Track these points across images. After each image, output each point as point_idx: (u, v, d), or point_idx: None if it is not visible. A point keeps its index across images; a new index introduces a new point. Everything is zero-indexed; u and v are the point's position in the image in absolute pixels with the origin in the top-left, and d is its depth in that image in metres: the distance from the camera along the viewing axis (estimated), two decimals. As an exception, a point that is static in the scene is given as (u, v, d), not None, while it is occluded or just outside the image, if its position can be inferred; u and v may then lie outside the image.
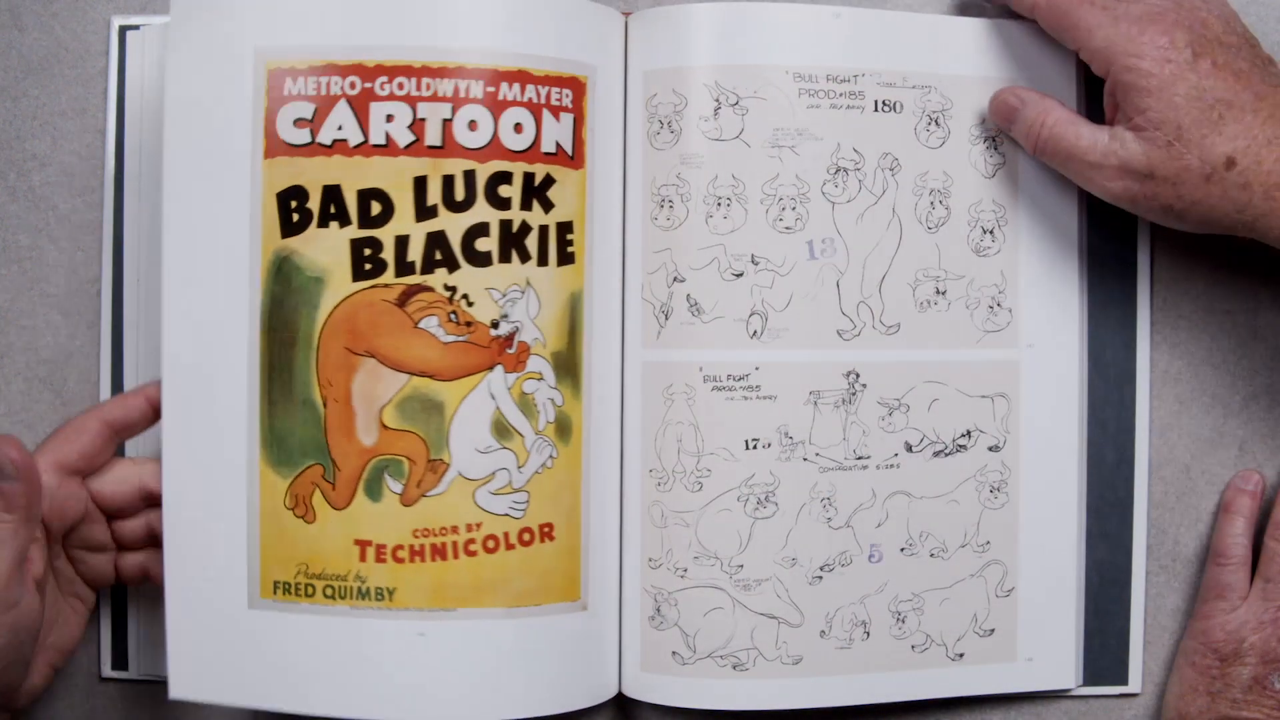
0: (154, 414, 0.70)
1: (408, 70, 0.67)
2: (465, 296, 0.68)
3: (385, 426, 0.69)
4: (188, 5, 0.69)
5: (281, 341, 0.69)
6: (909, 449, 0.73)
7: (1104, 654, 0.76)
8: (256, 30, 0.68)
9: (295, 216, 0.68)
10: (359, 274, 0.68)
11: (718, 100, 0.71)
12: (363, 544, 0.69)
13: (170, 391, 0.69)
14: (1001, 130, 0.73)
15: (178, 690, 0.70)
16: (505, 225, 0.68)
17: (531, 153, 0.69)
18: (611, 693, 0.73)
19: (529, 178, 0.69)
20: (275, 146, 0.68)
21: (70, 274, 0.76)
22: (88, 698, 0.76)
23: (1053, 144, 0.69)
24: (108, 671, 0.76)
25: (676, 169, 0.71)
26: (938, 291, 0.73)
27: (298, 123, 0.68)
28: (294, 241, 0.68)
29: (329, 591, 0.69)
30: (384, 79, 0.68)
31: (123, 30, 0.76)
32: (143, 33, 0.75)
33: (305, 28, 0.68)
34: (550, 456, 0.70)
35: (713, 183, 0.71)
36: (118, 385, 0.75)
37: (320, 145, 0.68)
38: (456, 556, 0.69)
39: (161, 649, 0.71)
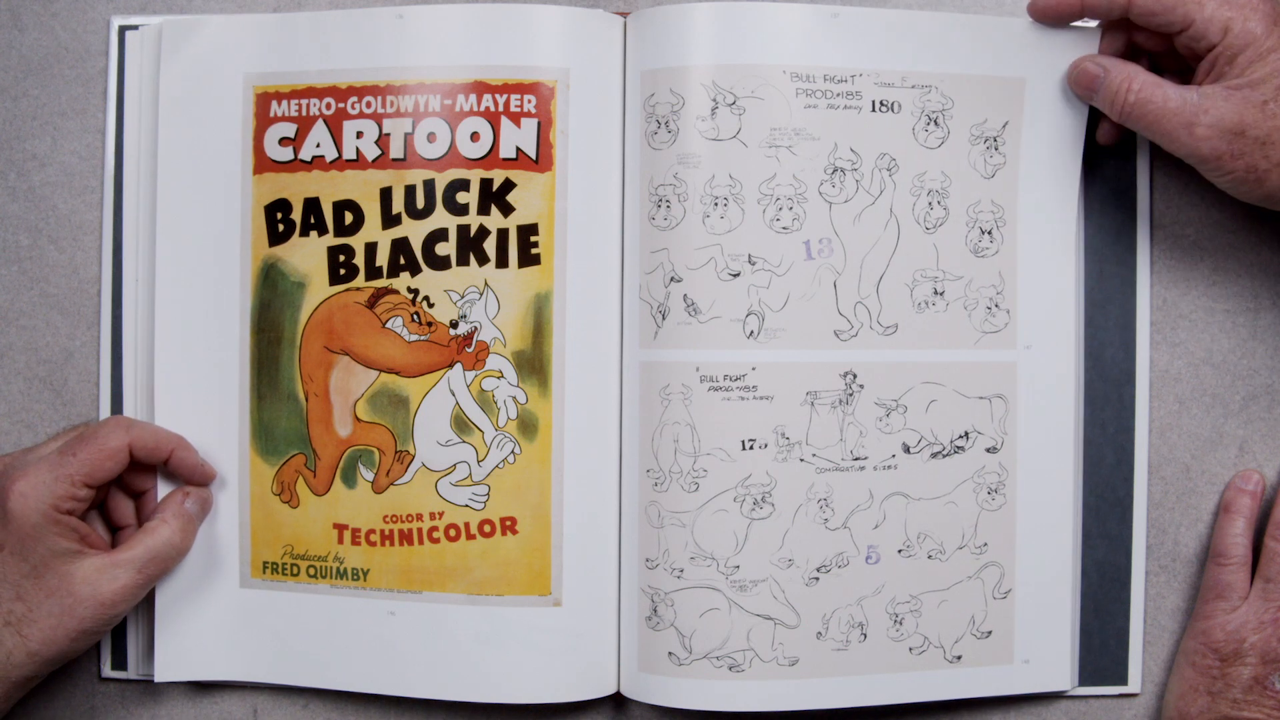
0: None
1: (374, 90, 0.73)
2: (426, 298, 0.73)
3: (358, 419, 0.74)
4: (182, 37, 0.74)
5: (269, 340, 0.74)
6: (906, 450, 0.73)
7: (1104, 654, 0.76)
8: (245, 59, 0.74)
9: (280, 227, 0.74)
10: (335, 278, 0.74)
11: (715, 100, 0.71)
12: (340, 528, 0.74)
13: (165, 389, 0.74)
14: (1081, 99, 0.73)
15: (163, 674, 0.74)
16: (463, 230, 0.73)
17: (489, 159, 0.72)
18: (604, 691, 0.74)
19: (486, 184, 0.72)
20: (263, 163, 0.74)
21: (70, 274, 0.77)
22: (88, 698, 0.77)
23: (1140, 107, 0.69)
24: (107, 671, 0.76)
25: (674, 169, 0.71)
26: (935, 292, 0.73)
27: (282, 141, 0.74)
28: (279, 249, 0.74)
29: (312, 571, 0.74)
30: (354, 99, 0.73)
31: (122, 30, 0.76)
32: (142, 33, 0.76)
33: (287, 55, 0.74)
34: (512, 452, 0.73)
35: (710, 183, 0.71)
36: (117, 385, 0.76)
37: (301, 161, 0.74)
38: (421, 542, 0.73)
39: (156, 647, 0.74)
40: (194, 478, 0.73)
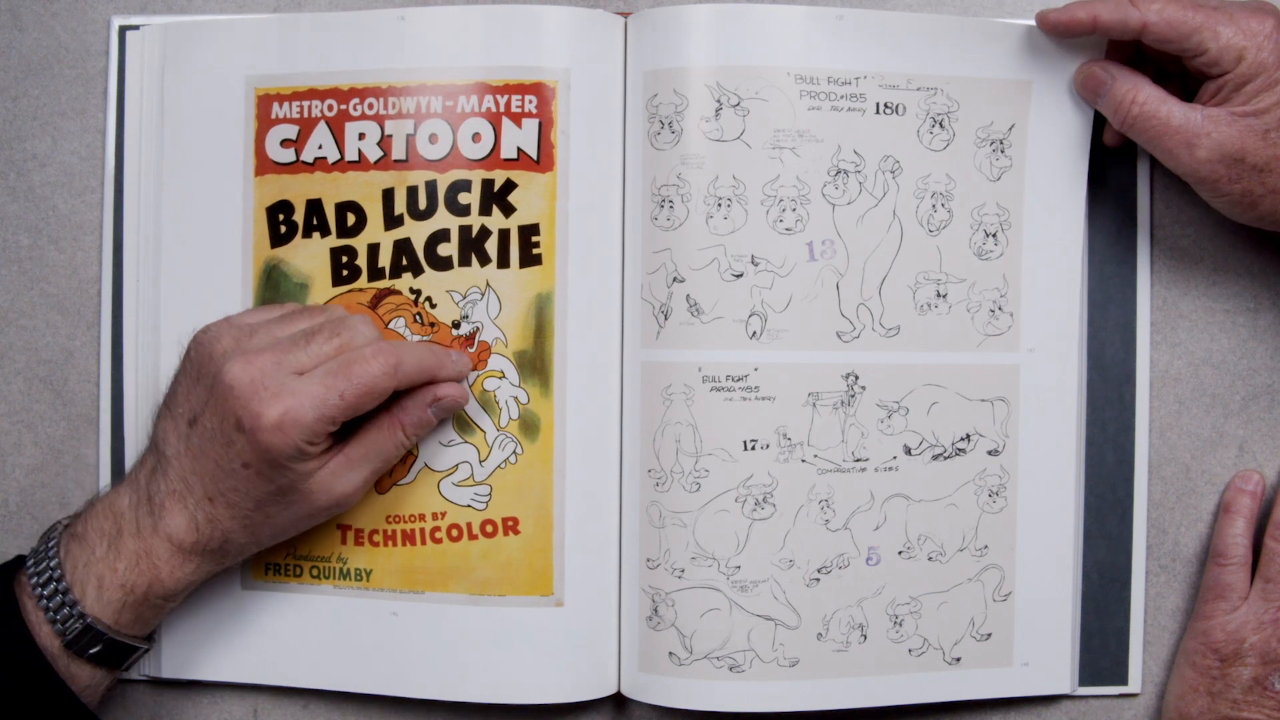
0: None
1: (376, 91, 0.73)
2: (429, 299, 0.73)
3: None
4: (183, 38, 0.74)
5: None
6: (908, 452, 0.73)
7: (1104, 654, 0.76)
8: (247, 60, 0.74)
9: (283, 228, 0.74)
10: (337, 279, 0.74)
11: (719, 101, 0.71)
12: (344, 528, 0.74)
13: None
14: (1086, 102, 0.73)
15: (171, 670, 0.75)
16: (465, 230, 0.73)
17: (490, 160, 0.72)
18: (605, 691, 0.74)
19: (488, 184, 0.72)
20: (265, 165, 0.74)
21: (70, 274, 0.77)
22: (89, 697, 0.77)
23: (1143, 121, 0.69)
24: (109, 671, 0.76)
25: (677, 169, 0.71)
26: (938, 294, 0.73)
27: (284, 143, 0.74)
28: (282, 251, 0.74)
29: (315, 572, 0.74)
30: (356, 100, 0.73)
31: (123, 30, 0.76)
32: (143, 33, 0.76)
33: (289, 57, 0.74)
34: (514, 453, 0.73)
35: (713, 183, 0.71)
36: (118, 385, 0.76)
37: (303, 163, 0.74)
38: (424, 543, 0.73)
39: (161, 649, 0.75)
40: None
